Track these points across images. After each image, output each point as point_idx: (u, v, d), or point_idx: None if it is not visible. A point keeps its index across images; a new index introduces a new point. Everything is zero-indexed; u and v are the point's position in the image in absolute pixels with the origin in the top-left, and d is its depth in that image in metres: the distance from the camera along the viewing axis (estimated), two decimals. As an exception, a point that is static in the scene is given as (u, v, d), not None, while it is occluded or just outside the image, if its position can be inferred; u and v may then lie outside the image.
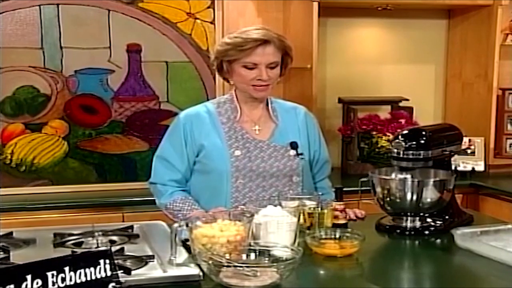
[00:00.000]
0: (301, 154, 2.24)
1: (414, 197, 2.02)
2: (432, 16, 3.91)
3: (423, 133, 2.09)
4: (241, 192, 2.19)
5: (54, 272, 1.27)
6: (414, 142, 2.06)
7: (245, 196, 2.18)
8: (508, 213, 3.06)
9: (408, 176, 2.08)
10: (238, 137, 2.23)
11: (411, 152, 2.06)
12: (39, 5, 3.08)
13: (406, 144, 2.06)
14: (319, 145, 2.35)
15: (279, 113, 2.31)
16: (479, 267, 1.75)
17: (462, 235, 1.89)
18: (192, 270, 1.58)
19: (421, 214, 2.08)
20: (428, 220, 2.10)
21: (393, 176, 2.13)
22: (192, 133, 2.23)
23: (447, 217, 2.13)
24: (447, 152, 2.17)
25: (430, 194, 2.03)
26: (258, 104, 2.29)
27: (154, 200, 2.31)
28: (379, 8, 3.61)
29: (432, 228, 2.08)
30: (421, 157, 2.06)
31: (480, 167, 3.55)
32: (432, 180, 2.06)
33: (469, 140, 3.55)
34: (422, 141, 2.06)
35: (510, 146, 3.72)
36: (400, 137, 2.09)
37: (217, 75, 3.23)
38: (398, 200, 2.05)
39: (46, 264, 1.27)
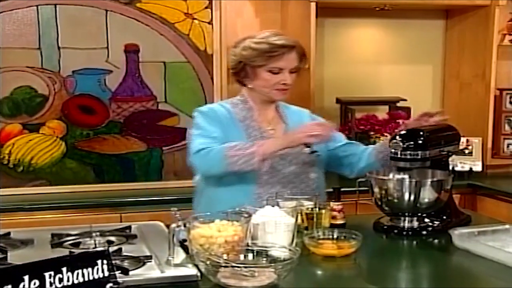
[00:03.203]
0: (316, 151, 2.23)
1: (412, 197, 2.03)
2: (430, 17, 3.91)
3: (421, 133, 2.09)
4: (264, 188, 2.18)
5: (52, 273, 1.26)
6: (411, 142, 2.06)
7: (267, 192, 2.15)
8: (505, 213, 3.06)
9: (406, 176, 2.08)
10: (257, 135, 2.24)
11: (408, 152, 2.06)
12: (37, 6, 3.08)
13: (403, 144, 2.06)
14: None
15: (287, 114, 2.36)
16: (477, 267, 1.76)
17: (459, 235, 1.89)
18: (190, 270, 1.59)
19: (419, 214, 2.09)
20: (426, 220, 2.10)
21: (390, 176, 2.13)
22: (219, 122, 2.22)
23: (444, 217, 2.13)
24: (445, 152, 2.17)
25: (427, 194, 2.04)
26: (270, 106, 2.32)
27: (152, 200, 2.31)
28: (377, 9, 3.61)
29: (430, 228, 2.08)
30: (419, 157, 2.06)
31: (477, 167, 3.55)
32: (429, 180, 2.06)
33: (467, 140, 3.55)
34: (420, 141, 2.06)
35: (507, 146, 3.72)
36: (397, 137, 2.09)
37: (215, 76, 3.25)
38: (395, 201, 2.05)
39: (43, 264, 1.27)
